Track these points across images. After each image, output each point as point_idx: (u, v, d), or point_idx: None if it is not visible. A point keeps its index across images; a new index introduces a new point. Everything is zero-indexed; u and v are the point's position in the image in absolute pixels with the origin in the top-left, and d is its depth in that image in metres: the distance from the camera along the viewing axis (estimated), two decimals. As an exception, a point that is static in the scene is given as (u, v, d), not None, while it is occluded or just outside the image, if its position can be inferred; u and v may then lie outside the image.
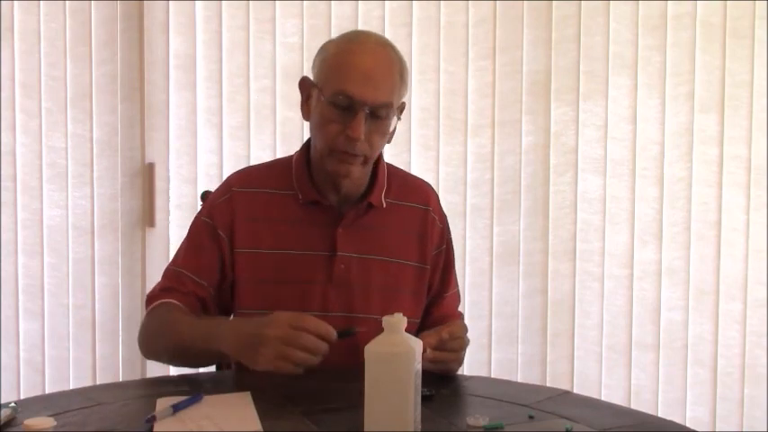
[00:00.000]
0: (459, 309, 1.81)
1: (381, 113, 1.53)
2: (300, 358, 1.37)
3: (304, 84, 1.63)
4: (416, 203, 1.70)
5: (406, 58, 1.62)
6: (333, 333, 1.39)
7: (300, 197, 1.63)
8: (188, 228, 1.70)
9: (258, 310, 1.60)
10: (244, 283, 1.62)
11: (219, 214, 1.63)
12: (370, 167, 1.63)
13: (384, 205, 1.66)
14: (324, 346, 1.39)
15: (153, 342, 1.61)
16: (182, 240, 1.70)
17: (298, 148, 1.70)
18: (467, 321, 1.78)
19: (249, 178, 1.68)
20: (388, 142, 1.63)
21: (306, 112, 1.63)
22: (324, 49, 1.60)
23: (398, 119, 1.62)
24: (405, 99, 1.64)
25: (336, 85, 1.52)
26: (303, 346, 1.37)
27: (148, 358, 1.75)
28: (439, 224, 1.72)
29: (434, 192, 1.77)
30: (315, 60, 1.61)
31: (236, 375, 1.60)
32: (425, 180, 1.80)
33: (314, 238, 1.62)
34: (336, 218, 1.63)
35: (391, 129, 1.60)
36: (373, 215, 1.65)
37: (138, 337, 1.64)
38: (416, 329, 1.65)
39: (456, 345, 1.51)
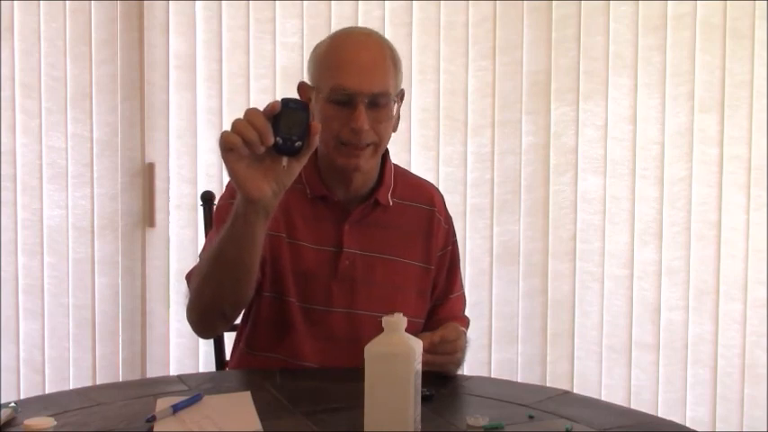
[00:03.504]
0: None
1: (380, 101, 1.55)
2: (240, 138, 1.29)
3: (302, 88, 1.64)
4: (421, 203, 1.71)
5: (406, 58, 1.63)
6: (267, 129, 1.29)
7: (309, 192, 1.63)
8: (213, 216, 1.70)
9: (268, 293, 1.60)
10: (263, 263, 1.58)
11: None
12: (379, 157, 1.63)
13: (391, 203, 1.66)
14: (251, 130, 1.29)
15: (199, 286, 1.49)
16: (209, 232, 1.69)
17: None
18: (467, 321, 1.78)
19: None
20: (394, 130, 1.63)
21: None
22: (314, 50, 1.63)
23: (399, 105, 1.62)
24: (403, 87, 1.64)
25: (332, 81, 1.54)
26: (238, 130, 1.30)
27: (204, 322, 1.55)
28: (444, 225, 1.73)
29: (439, 193, 1.78)
30: (308, 64, 1.63)
31: (236, 375, 1.60)
32: (430, 181, 1.81)
33: (321, 233, 1.63)
34: (343, 214, 1.63)
35: (394, 114, 1.60)
36: (380, 213, 1.66)
37: (187, 307, 1.53)
38: (421, 330, 1.65)
39: (448, 348, 1.51)
